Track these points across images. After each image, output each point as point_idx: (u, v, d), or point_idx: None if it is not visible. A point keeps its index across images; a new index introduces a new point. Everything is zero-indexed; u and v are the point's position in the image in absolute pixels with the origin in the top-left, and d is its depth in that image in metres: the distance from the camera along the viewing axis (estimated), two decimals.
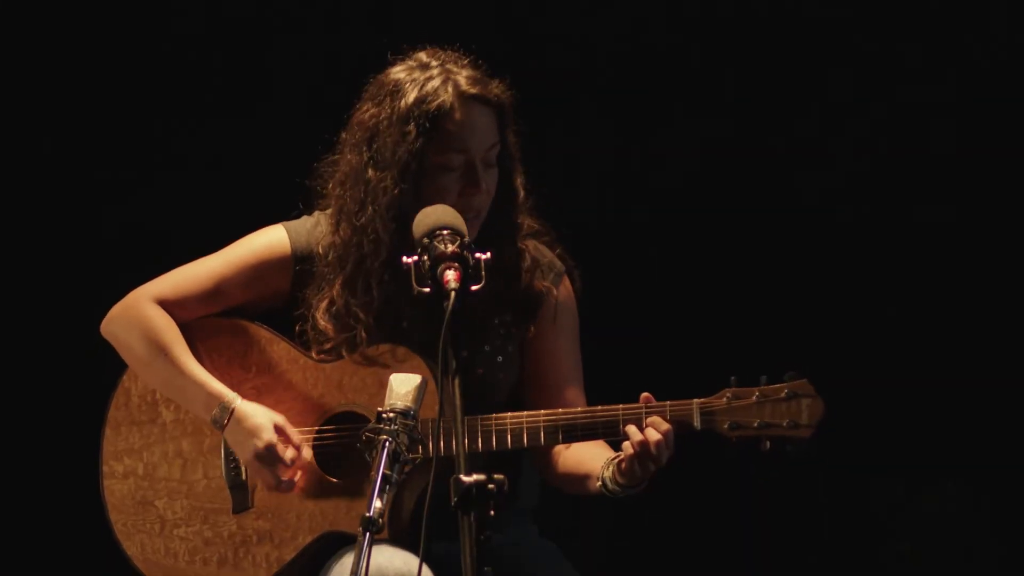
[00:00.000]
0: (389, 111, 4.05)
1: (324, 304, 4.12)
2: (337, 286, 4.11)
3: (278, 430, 4.04)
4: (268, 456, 4.02)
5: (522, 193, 4.16)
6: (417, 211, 3.72)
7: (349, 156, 4.13)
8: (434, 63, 4.09)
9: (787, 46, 5.47)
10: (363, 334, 4.08)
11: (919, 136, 5.45)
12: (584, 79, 5.48)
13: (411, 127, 4.03)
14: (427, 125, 4.02)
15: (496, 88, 4.11)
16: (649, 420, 3.94)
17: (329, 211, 4.17)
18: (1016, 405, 5.41)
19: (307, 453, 4.06)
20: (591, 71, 5.49)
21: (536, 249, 4.21)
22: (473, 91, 4.06)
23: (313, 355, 4.11)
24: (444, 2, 5.28)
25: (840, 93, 5.47)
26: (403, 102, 4.04)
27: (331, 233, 4.14)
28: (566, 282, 4.25)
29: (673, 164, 5.49)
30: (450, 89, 4.04)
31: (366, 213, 4.07)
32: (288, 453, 4.03)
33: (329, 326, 4.10)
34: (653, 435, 3.92)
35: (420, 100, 4.04)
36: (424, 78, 4.06)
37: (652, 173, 5.50)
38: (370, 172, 4.07)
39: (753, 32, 5.46)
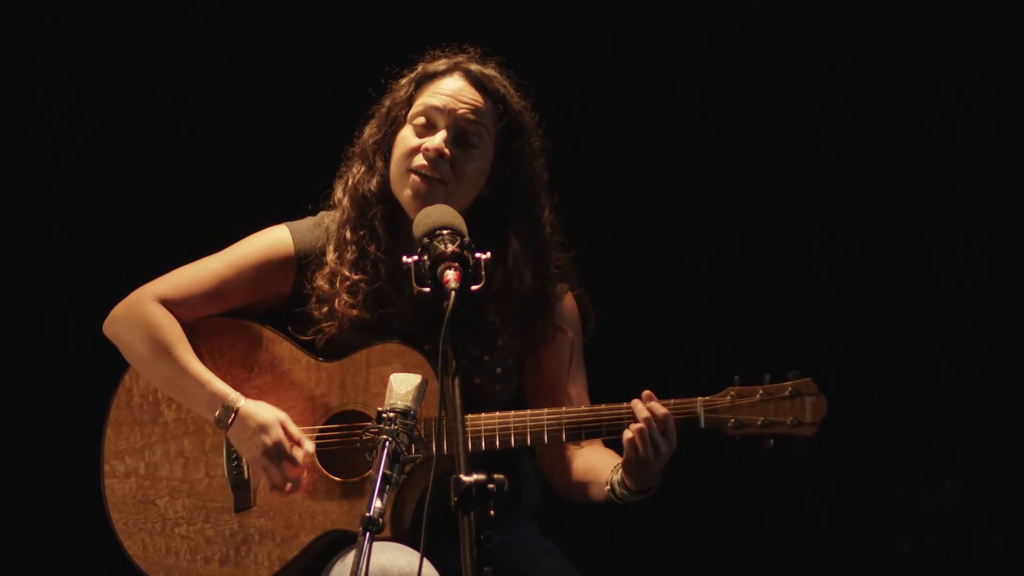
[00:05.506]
0: (396, 88, 4.20)
1: (323, 271, 4.14)
2: (332, 251, 4.15)
3: (282, 427, 4.04)
4: (277, 453, 4.01)
5: (548, 228, 4.19)
6: (391, 160, 4.05)
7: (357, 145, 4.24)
8: (454, 55, 4.20)
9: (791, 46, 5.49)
10: (346, 297, 4.08)
11: (913, 136, 5.47)
12: (585, 82, 5.49)
13: (405, 87, 4.18)
14: (418, 81, 4.16)
15: (500, 85, 4.14)
16: (647, 404, 3.94)
17: (334, 211, 4.20)
18: (1016, 404, 5.42)
19: (310, 447, 4.06)
20: (593, 76, 5.51)
21: (556, 286, 4.24)
22: (470, 67, 4.15)
23: (315, 350, 4.12)
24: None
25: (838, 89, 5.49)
26: (409, 76, 4.20)
27: (337, 211, 4.21)
28: (569, 298, 4.25)
29: (675, 163, 5.50)
30: (451, 63, 4.17)
31: (353, 170, 4.18)
32: (296, 451, 4.03)
33: (324, 284, 4.11)
34: (659, 408, 3.92)
35: (423, 69, 4.19)
36: (436, 57, 4.21)
37: (656, 173, 5.51)
38: (367, 132, 4.20)
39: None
